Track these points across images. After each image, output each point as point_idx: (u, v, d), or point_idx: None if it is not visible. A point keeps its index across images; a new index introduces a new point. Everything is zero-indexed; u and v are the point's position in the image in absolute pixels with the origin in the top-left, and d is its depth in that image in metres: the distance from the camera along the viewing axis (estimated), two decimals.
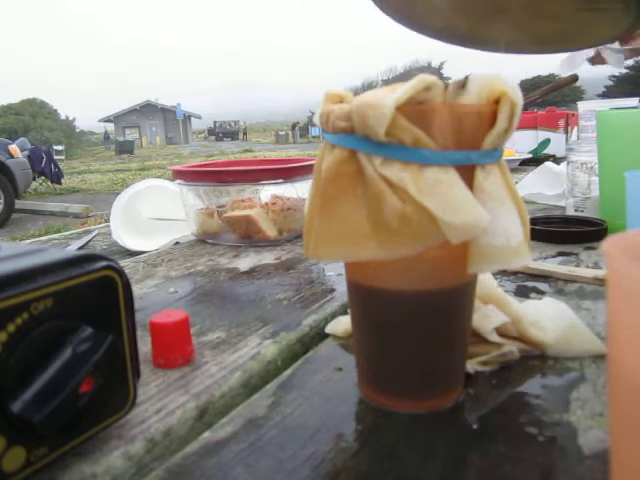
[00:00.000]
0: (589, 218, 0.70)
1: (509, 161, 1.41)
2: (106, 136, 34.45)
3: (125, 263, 0.65)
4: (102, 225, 1.04)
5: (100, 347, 0.24)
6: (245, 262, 0.62)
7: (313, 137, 29.15)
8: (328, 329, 0.41)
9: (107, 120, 39.24)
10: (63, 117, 38.09)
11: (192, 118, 40.56)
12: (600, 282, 0.48)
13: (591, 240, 0.64)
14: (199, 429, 0.30)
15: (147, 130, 37.80)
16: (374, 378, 0.31)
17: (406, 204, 0.25)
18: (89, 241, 0.85)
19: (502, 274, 0.52)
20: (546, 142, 1.61)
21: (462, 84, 0.26)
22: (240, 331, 0.41)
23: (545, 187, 0.93)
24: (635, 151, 0.62)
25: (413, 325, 0.29)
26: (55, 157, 8.67)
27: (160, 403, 0.31)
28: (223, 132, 40.47)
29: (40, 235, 3.76)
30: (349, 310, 0.32)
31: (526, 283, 0.50)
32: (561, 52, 0.68)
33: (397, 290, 0.28)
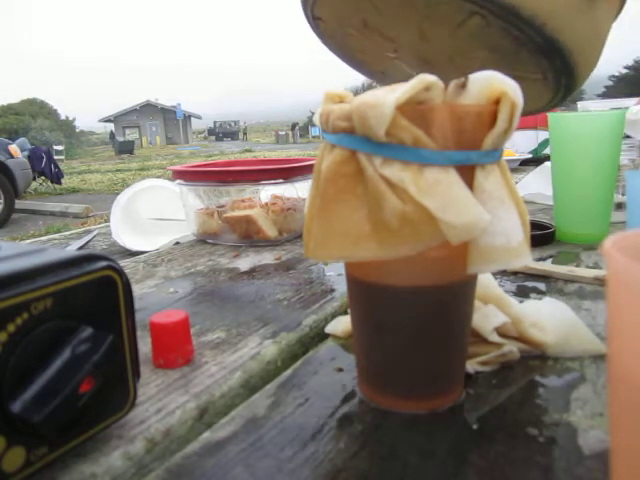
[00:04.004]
0: (539, 222, 0.68)
1: (509, 161, 1.41)
2: (111, 135, 34.29)
3: (125, 263, 0.65)
4: (102, 225, 1.04)
5: (100, 347, 0.24)
6: (245, 262, 0.62)
7: (313, 137, 29.13)
8: (328, 329, 0.41)
9: (107, 120, 39.20)
10: (63, 117, 38.06)
11: (192, 118, 40.54)
12: (600, 282, 0.48)
13: (538, 245, 0.62)
14: (199, 429, 0.30)
15: (147, 130, 37.77)
16: (374, 378, 0.31)
17: (406, 204, 0.25)
18: (89, 241, 0.85)
19: (502, 274, 0.52)
20: (546, 142, 1.61)
21: (462, 84, 0.26)
22: (240, 331, 0.41)
23: (545, 187, 0.93)
24: (584, 155, 0.60)
25: (413, 323, 0.29)
26: (55, 157, 8.66)
27: (160, 403, 0.31)
28: (223, 132, 40.48)
29: (40, 235, 3.75)
30: (349, 310, 0.32)
31: (526, 283, 0.50)
32: None
33: (397, 286, 0.28)
